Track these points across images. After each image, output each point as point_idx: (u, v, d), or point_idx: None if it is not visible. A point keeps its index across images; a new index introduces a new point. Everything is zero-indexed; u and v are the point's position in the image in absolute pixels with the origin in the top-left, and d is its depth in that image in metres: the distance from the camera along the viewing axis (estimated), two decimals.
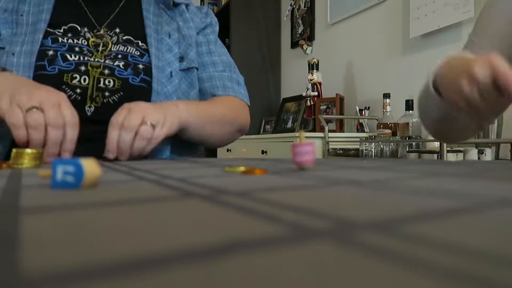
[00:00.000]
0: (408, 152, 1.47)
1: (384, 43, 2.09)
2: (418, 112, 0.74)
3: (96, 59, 0.70)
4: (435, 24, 1.75)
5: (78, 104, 0.66)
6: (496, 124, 1.38)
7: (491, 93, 0.46)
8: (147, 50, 0.75)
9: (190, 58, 0.81)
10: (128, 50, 0.74)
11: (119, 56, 0.73)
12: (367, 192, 0.21)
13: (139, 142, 0.57)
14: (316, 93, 2.21)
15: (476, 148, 1.37)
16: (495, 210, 0.16)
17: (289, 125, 2.53)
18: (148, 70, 0.74)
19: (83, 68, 0.69)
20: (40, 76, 0.66)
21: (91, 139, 0.66)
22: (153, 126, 0.57)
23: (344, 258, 0.09)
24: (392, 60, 2.04)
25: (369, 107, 2.10)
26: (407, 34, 1.92)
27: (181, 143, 0.77)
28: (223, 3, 3.17)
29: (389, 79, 2.05)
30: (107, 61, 0.71)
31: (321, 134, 1.91)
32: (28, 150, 0.41)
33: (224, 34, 3.22)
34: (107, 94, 0.70)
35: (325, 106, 2.21)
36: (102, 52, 0.72)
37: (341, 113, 2.16)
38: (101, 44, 0.73)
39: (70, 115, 0.53)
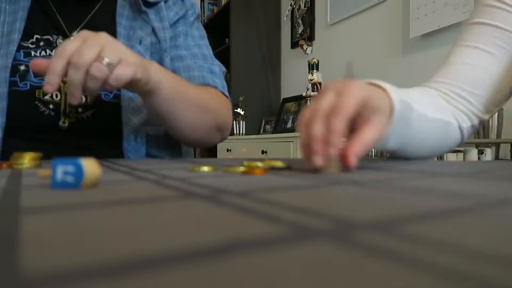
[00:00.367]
0: None
1: (384, 43, 2.09)
2: None
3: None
4: (435, 24, 1.75)
5: (52, 120, 0.66)
6: (496, 124, 1.38)
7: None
8: None
9: (165, 64, 0.75)
10: None
11: None
12: (367, 192, 0.21)
13: (91, 82, 0.47)
14: (316, 93, 2.21)
15: (476, 148, 1.37)
16: (495, 210, 0.16)
17: (289, 125, 2.53)
18: None
19: None
20: (13, 92, 0.65)
21: (67, 153, 0.64)
22: (109, 65, 0.48)
23: (344, 258, 0.09)
24: (392, 60, 2.04)
25: None
26: (407, 34, 1.92)
27: (159, 141, 0.74)
28: (223, 3, 3.17)
29: (389, 79, 2.04)
30: None
31: None
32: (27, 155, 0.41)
33: (224, 34, 3.22)
34: (80, 110, 0.68)
35: None
36: None
37: None
38: None
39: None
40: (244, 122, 2.78)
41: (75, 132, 0.67)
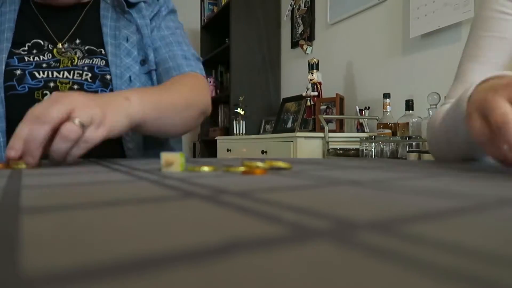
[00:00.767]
0: (408, 152, 1.47)
1: (384, 43, 2.09)
2: (432, 142, 0.64)
3: (64, 74, 0.71)
4: (435, 24, 1.75)
5: None
6: None
7: None
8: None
9: (151, 60, 0.79)
10: (93, 62, 0.74)
11: (85, 68, 0.73)
12: (367, 192, 0.21)
13: (59, 143, 0.42)
14: (316, 93, 2.21)
15: None
16: (495, 210, 0.16)
17: (289, 125, 2.53)
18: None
19: (52, 84, 0.70)
20: (12, 96, 0.67)
21: None
22: (82, 126, 0.43)
23: (344, 258, 0.09)
24: (392, 60, 2.04)
25: (369, 107, 2.10)
26: (407, 34, 1.92)
27: (149, 140, 0.77)
28: (223, 3, 3.17)
29: (389, 79, 2.05)
30: (75, 76, 0.72)
31: (321, 134, 1.91)
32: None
33: (224, 34, 3.22)
34: None
35: (325, 106, 2.21)
36: (68, 64, 0.73)
37: (341, 113, 2.16)
38: (66, 59, 0.73)
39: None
40: (244, 122, 2.78)
41: None
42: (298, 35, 2.83)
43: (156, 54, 0.80)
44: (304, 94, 2.27)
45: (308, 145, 1.90)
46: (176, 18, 0.88)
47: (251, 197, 0.19)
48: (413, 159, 1.41)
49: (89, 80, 0.72)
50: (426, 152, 1.40)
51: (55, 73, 0.71)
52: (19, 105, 0.67)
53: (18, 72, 0.69)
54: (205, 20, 3.46)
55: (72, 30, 0.76)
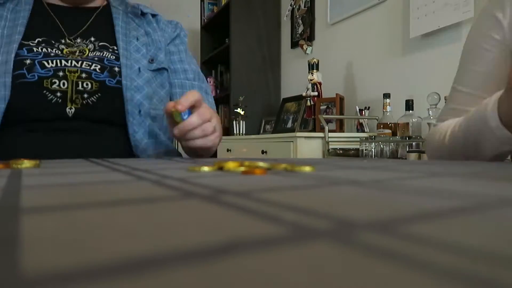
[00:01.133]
0: (408, 152, 1.47)
1: (384, 43, 2.09)
2: (453, 148, 0.68)
3: (72, 63, 0.74)
4: (435, 24, 1.75)
5: (59, 107, 0.72)
6: None
7: None
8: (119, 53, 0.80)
9: (160, 60, 0.86)
10: (104, 55, 0.78)
11: (96, 59, 0.77)
12: (367, 192, 0.21)
13: (199, 132, 0.62)
14: (316, 93, 2.21)
15: None
16: (495, 210, 0.16)
17: (289, 125, 2.53)
18: (121, 73, 0.78)
19: (61, 73, 0.73)
20: (21, 84, 0.71)
21: (75, 133, 0.73)
22: (214, 129, 0.64)
23: (344, 258, 0.09)
24: (392, 60, 2.04)
25: (369, 107, 2.10)
26: (407, 34, 1.92)
27: (159, 120, 0.84)
28: (223, 3, 3.17)
29: (389, 79, 2.05)
30: (84, 65, 0.75)
31: (321, 134, 1.91)
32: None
33: (224, 34, 3.22)
34: (86, 95, 0.74)
35: (325, 106, 2.21)
36: (79, 55, 0.76)
37: (341, 113, 2.16)
38: (78, 51, 0.77)
39: None
40: (244, 122, 2.78)
41: (80, 117, 0.73)
42: (298, 35, 2.83)
43: (184, 74, 0.89)
44: (304, 94, 2.27)
45: (308, 145, 1.90)
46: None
47: (251, 197, 0.19)
48: (413, 159, 1.41)
49: (98, 70, 0.76)
50: None
51: (63, 62, 0.74)
52: (27, 92, 0.71)
53: (28, 61, 0.72)
54: (205, 20, 3.46)
55: (84, 28, 0.81)
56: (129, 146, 0.79)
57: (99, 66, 0.76)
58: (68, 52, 0.76)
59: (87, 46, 0.78)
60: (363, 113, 2.08)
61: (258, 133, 2.89)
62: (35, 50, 0.73)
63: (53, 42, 0.77)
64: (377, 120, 1.92)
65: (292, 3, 2.89)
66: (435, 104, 1.59)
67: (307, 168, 0.35)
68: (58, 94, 0.72)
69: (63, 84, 0.72)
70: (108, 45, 0.81)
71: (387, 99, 1.79)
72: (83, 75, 0.74)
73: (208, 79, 3.30)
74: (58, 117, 0.72)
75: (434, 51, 1.80)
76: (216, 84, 3.49)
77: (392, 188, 0.23)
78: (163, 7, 2.93)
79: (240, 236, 0.12)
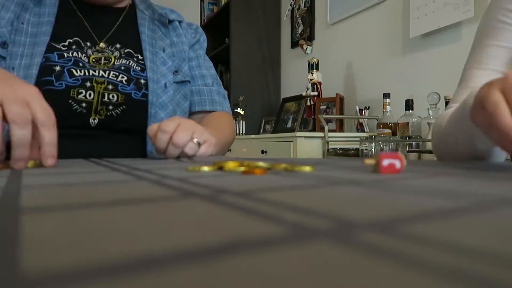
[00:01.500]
0: (408, 152, 1.47)
1: (384, 43, 2.09)
2: (438, 144, 0.67)
3: (100, 73, 0.74)
4: (435, 24, 1.75)
5: (83, 117, 0.72)
6: None
7: None
8: (145, 64, 0.80)
9: (184, 72, 0.86)
10: (130, 64, 0.78)
11: (122, 68, 0.76)
12: (367, 192, 0.21)
13: (185, 154, 0.60)
14: (316, 93, 2.21)
15: None
16: (495, 210, 0.16)
17: (289, 125, 2.53)
18: (148, 84, 0.78)
19: (88, 84, 0.73)
20: (48, 90, 0.70)
21: (95, 140, 0.73)
22: (199, 144, 0.61)
23: (344, 258, 0.09)
24: (392, 60, 2.04)
25: (369, 107, 2.10)
26: (407, 34, 1.92)
27: None
28: (223, 3, 3.17)
29: (389, 79, 2.05)
30: (110, 76, 0.75)
31: (321, 134, 1.91)
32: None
33: (224, 34, 3.22)
34: (110, 107, 0.74)
35: (325, 106, 2.21)
36: (105, 64, 0.76)
37: (341, 113, 2.16)
38: (103, 58, 0.77)
39: (40, 111, 0.42)
40: (244, 122, 2.78)
41: (102, 127, 0.74)
42: (298, 35, 2.83)
43: (202, 79, 0.90)
44: (304, 94, 2.27)
45: (308, 145, 1.90)
46: None
47: (251, 197, 0.19)
48: (413, 159, 1.41)
49: (124, 82, 0.75)
50: (426, 152, 1.40)
51: (91, 71, 0.74)
52: (53, 100, 0.70)
53: (58, 68, 0.71)
54: (205, 19, 3.46)
55: (111, 32, 0.80)
56: (143, 155, 0.80)
57: (125, 78, 0.76)
58: (94, 59, 0.76)
59: (113, 53, 0.78)
60: (363, 113, 2.08)
61: (258, 133, 2.89)
62: (65, 56, 0.73)
63: (83, 45, 0.76)
64: (377, 120, 1.92)
65: (292, 3, 2.89)
66: (435, 104, 1.59)
67: (307, 168, 0.35)
68: (84, 104, 0.72)
69: (90, 95, 0.72)
70: (133, 52, 0.80)
71: (387, 99, 1.79)
72: (110, 86, 0.74)
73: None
74: (80, 126, 0.72)
75: (434, 51, 1.80)
76: None
77: (392, 188, 0.23)
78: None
79: (240, 236, 0.12)
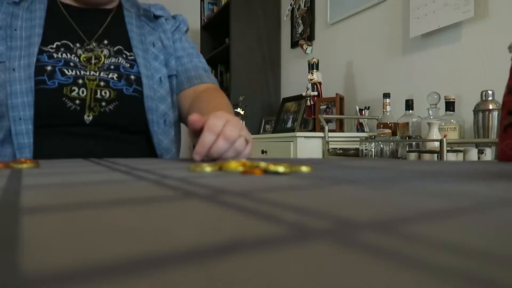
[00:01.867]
0: (408, 152, 1.47)
1: (384, 43, 2.09)
2: None
3: (91, 73, 0.75)
4: (435, 24, 1.75)
5: (77, 114, 0.73)
6: (496, 124, 1.38)
7: None
8: (135, 61, 0.81)
9: (171, 67, 0.87)
10: (119, 61, 0.79)
11: (112, 67, 0.78)
12: (367, 192, 0.21)
13: (231, 153, 0.57)
14: (316, 93, 2.21)
15: (476, 148, 1.37)
16: (495, 210, 0.16)
17: (289, 125, 2.53)
18: (138, 80, 0.79)
19: (80, 81, 0.74)
20: (42, 89, 0.71)
21: (92, 139, 0.74)
22: (246, 142, 0.59)
23: (344, 258, 0.09)
24: (392, 60, 2.04)
25: (369, 107, 2.10)
26: (407, 34, 1.92)
27: (177, 125, 0.87)
28: (223, 3, 3.17)
29: (389, 79, 2.05)
30: (101, 74, 0.76)
31: (321, 134, 1.91)
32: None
33: (224, 34, 3.22)
34: (103, 104, 0.75)
35: (325, 106, 2.21)
36: (95, 64, 0.77)
37: (341, 113, 2.16)
38: (93, 57, 0.78)
39: None
40: (244, 122, 2.78)
41: (98, 124, 0.75)
42: (298, 35, 2.83)
43: (178, 62, 0.89)
44: (304, 94, 2.27)
45: (308, 145, 1.90)
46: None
47: (251, 197, 0.19)
48: (413, 159, 1.41)
49: (115, 78, 0.77)
50: (426, 152, 1.40)
51: (82, 71, 0.75)
52: (48, 99, 0.72)
53: (49, 68, 0.73)
54: (205, 20, 3.46)
55: (100, 31, 0.82)
56: (151, 154, 0.81)
57: (116, 74, 0.77)
58: (85, 59, 0.77)
59: (102, 52, 0.79)
60: (363, 113, 2.08)
61: (258, 133, 2.89)
62: (55, 57, 0.74)
63: (71, 46, 0.77)
64: (377, 120, 1.92)
65: (292, 3, 2.89)
66: (435, 104, 1.59)
67: (306, 168, 0.35)
68: (77, 101, 0.73)
69: (82, 92, 0.74)
70: (123, 49, 0.81)
71: (387, 99, 1.79)
72: (102, 83, 0.75)
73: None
74: (76, 123, 0.73)
75: (434, 51, 1.80)
76: None
77: (392, 188, 0.23)
78: None
79: (240, 236, 0.12)
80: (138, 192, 0.21)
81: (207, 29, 3.47)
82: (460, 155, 1.37)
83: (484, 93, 1.40)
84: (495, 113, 1.38)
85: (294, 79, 2.89)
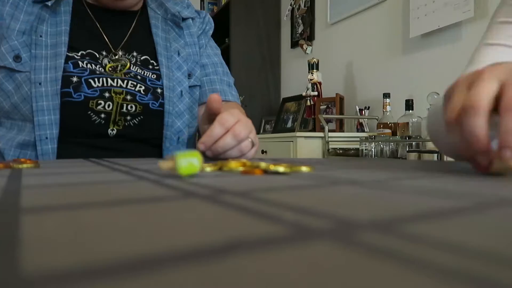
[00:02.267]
0: (408, 152, 1.47)
1: (384, 43, 2.09)
2: (429, 132, 0.63)
3: (118, 82, 0.73)
4: (435, 24, 1.75)
5: (101, 128, 0.71)
6: (495, 124, 1.38)
7: None
8: (159, 70, 0.78)
9: (197, 76, 0.84)
10: (146, 74, 0.76)
11: (138, 77, 0.75)
12: (367, 192, 0.21)
13: (236, 152, 0.56)
14: (316, 93, 2.21)
15: None
16: (495, 210, 0.16)
17: (289, 125, 2.53)
18: (163, 94, 0.77)
19: (107, 94, 0.71)
20: (67, 102, 0.69)
21: (113, 151, 0.72)
22: (252, 144, 0.58)
23: (344, 258, 0.09)
24: (392, 60, 2.04)
25: (369, 107, 2.10)
26: (407, 34, 1.92)
27: (190, 141, 0.84)
28: (223, 3, 3.17)
29: (389, 79, 2.05)
30: (128, 85, 0.73)
31: (321, 134, 1.91)
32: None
33: (224, 34, 3.22)
34: (128, 118, 0.73)
35: (325, 106, 2.21)
36: (120, 71, 0.74)
37: (341, 113, 2.16)
38: (120, 65, 0.75)
39: None
40: None
41: (121, 137, 0.73)
42: (298, 35, 2.83)
43: (203, 71, 0.86)
44: (304, 94, 2.27)
45: (308, 145, 1.90)
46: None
47: (251, 197, 0.19)
48: (413, 159, 1.41)
49: (142, 92, 0.74)
50: (426, 152, 1.40)
51: (109, 81, 0.72)
52: (72, 112, 0.70)
53: (75, 79, 0.70)
54: None
55: (126, 38, 0.78)
56: None
57: (143, 87, 0.74)
58: (110, 68, 0.74)
59: (130, 61, 0.76)
60: (363, 113, 2.08)
61: (258, 133, 2.89)
62: (80, 65, 0.71)
63: (97, 56, 0.74)
64: (377, 120, 1.92)
65: (292, 3, 2.89)
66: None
67: (306, 168, 0.35)
68: (102, 115, 0.71)
69: (108, 106, 0.71)
70: (149, 59, 0.78)
71: (387, 99, 1.79)
72: (128, 97, 0.73)
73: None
74: (98, 136, 0.71)
75: (434, 51, 1.80)
76: None
77: (392, 188, 0.23)
78: None
79: (240, 236, 0.12)
80: (138, 192, 0.21)
81: None
82: None
83: None
84: None
85: (294, 79, 2.89)
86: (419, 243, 0.11)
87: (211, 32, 0.91)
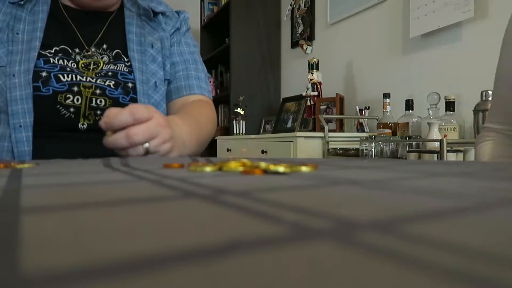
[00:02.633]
0: (408, 152, 1.47)
1: (384, 43, 2.09)
2: None
3: (87, 79, 0.74)
4: (435, 24, 1.75)
5: (72, 122, 0.73)
6: None
7: None
8: (131, 66, 0.80)
9: (167, 70, 0.85)
10: (118, 68, 0.78)
11: (109, 74, 0.76)
12: (367, 192, 0.21)
13: (142, 132, 0.55)
14: (316, 93, 2.21)
15: None
16: (495, 210, 0.16)
17: (289, 125, 2.53)
18: (135, 88, 0.78)
19: (75, 88, 0.73)
20: (36, 96, 0.71)
21: (88, 142, 0.73)
22: (147, 151, 0.56)
23: (344, 258, 0.09)
24: (392, 60, 2.04)
25: (369, 107, 2.10)
26: (407, 34, 1.92)
27: None
28: (223, 3, 3.17)
29: (389, 79, 2.05)
30: (98, 81, 0.75)
31: (321, 134, 1.91)
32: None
33: (224, 34, 3.22)
34: (98, 112, 0.74)
35: (325, 106, 2.22)
36: (93, 70, 0.76)
37: (341, 113, 2.16)
38: (92, 63, 0.77)
39: None
40: (244, 122, 2.78)
41: (92, 131, 0.74)
42: (298, 35, 2.83)
43: (172, 69, 0.87)
44: (304, 94, 2.27)
45: (308, 145, 1.90)
46: (191, 35, 0.96)
47: (251, 197, 0.19)
48: (413, 159, 1.41)
49: (112, 86, 0.75)
50: (426, 152, 1.40)
51: (78, 77, 0.74)
52: (41, 106, 0.71)
53: (44, 74, 0.71)
54: (205, 20, 3.46)
55: (100, 35, 0.80)
56: None
57: (113, 82, 0.76)
58: (83, 65, 0.75)
59: (101, 58, 0.78)
60: (363, 113, 2.08)
61: (258, 133, 2.89)
62: (51, 62, 0.73)
63: (70, 51, 0.76)
64: (377, 120, 1.92)
65: (292, 3, 2.89)
66: (435, 104, 1.59)
67: (306, 168, 0.35)
68: (72, 109, 0.72)
69: (77, 100, 0.72)
70: (121, 53, 0.80)
71: (387, 99, 1.79)
72: (97, 91, 0.74)
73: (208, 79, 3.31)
74: (70, 130, 0.73)
75: (434, 51, 1.80)
76: (216, 84, 3.49)
77: (392, 188, 0.23)
78: None
79: (240, 236, 0.12)
80: (138, 192, 0.21)
81: (207, 29, 3.47)
82: (460, 155, 1.37)
83: (484, 93, 1.40)
84: None
85: (294, 79, 2.89)
86: (419, 243, 0.11)
87: (185, 29, 0.92)
